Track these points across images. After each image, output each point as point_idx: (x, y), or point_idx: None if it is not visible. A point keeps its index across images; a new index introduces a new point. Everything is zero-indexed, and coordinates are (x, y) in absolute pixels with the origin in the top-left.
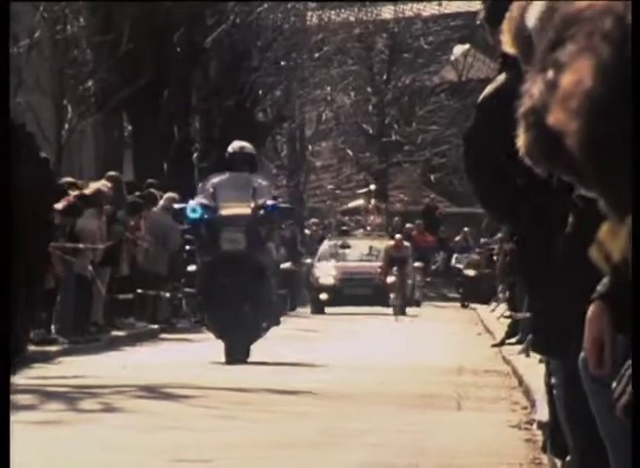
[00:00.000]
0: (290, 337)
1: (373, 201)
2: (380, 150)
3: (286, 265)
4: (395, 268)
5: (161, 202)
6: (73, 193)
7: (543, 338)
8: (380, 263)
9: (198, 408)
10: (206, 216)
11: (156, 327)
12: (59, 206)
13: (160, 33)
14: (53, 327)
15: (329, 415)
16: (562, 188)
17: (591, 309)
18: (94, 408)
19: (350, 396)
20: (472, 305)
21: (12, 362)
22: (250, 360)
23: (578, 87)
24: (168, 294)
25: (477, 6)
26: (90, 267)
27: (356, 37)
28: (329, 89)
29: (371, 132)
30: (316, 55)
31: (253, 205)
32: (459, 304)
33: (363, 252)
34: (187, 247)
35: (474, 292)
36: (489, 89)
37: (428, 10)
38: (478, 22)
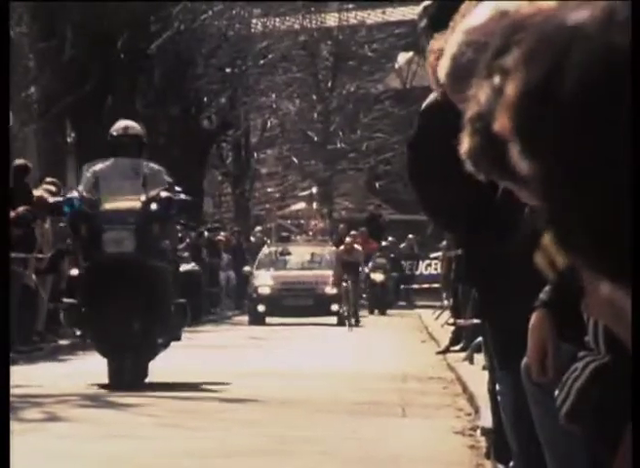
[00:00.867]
0: (228, 347)
1: (315, 204)
2: (326, 158)
3: (187, 267)
4: (345, 275)
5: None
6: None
7: (499, 348)
8: (321, 272)
9: (142, 416)
10: (85, 212)
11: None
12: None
13: (104, 39)
14: None
15: (275, 423)
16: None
17: (534, 317)
18: (37, 417)
19: (296, 403)
20: (417, 312)
21: None
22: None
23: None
24: None
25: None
26: (33, 276)
27: (301, 44)
28: (274, 96)
29: (316, 139)
30: (261, 62)
31: (143, 197)
32: (404, 311)
33: (304, 259)
34: (68, 241)
35: (383, 297)
36: (432, 96)
37: (372, 18)
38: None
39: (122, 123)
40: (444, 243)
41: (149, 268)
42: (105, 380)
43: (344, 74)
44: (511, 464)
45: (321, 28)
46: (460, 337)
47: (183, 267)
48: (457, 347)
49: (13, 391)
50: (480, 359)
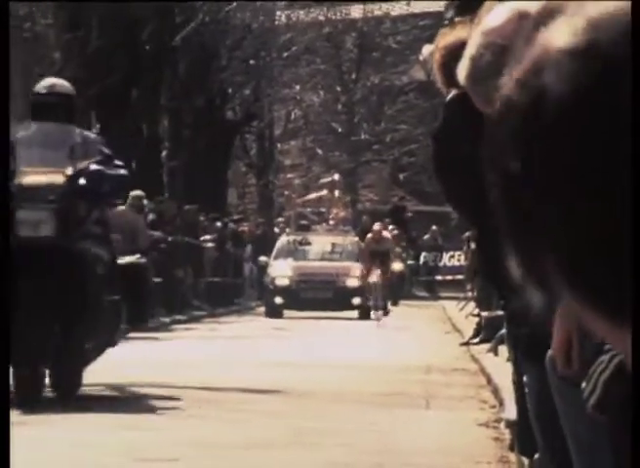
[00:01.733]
0: (251, 337)
1: (337, 192)
2: (349, 149)
3: (129, 259)
4: (372, 265)
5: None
6: None
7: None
8: (342, 263)
9: (166, 406)
10: None
11: (125, 325)
12: None
13: (129, 31)
14: None
15: (296, 415)
16: None
17: (560, 309)
18: (60, 407)
19: (319, 395)
20: (441, 303)
21: None
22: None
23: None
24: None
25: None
26: None
27: (325, 36)
28: (298, 88)
29: (340, 130)
30: (285, 54)
31: (69, 171)
32: (427, 302)
33: (325, 249)
34: None
35: (400, 287)
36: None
37: (397, 9)
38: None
39: (48, 80)
40: (467, 234)
41: (73, 257)
42: (127, 370)
43: (369, 66)
44: (536, 456)
45: (345, 20)
46: (484, 329)
47: (124, 258)
48: (475, 340)
49: None
50: (504, 350)
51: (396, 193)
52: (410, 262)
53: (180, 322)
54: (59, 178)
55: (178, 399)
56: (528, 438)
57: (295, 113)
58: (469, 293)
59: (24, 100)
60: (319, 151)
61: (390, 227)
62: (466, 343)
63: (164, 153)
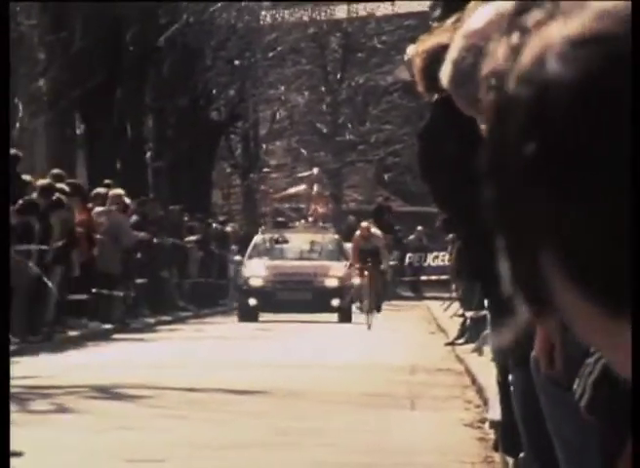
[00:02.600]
0: (236, 338)
1: (316, 187)
2: (334, 149)
3: None
4: (359, 265)
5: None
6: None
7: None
8: (321, 262)
9: (151, 407)
10: None
11: (109, 327)
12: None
13: (113, 32)
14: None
15: (282, 415)
16: None
17: None
18: (45, 408)
19: (303, 395)
20: (426, 303)
21: None
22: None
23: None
24: (121, 294)
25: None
26: (35, 267)
27: (310, 37)
28: (283, 88)
29: (325, 131)
30: (270, 54)
31: None
32: (412, 303)
33: (303, 247)
34: None
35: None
36: None
37: (382, 10)
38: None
39: None
40: (451, 235)
41: None
42: (112, 372)
43: (353, 66)
44: (521, 455)
45: (330, 20)
46: (468, 330)
47: None
48: (461, 340)
49: (22, 382)
50: (489, 351)
51: (381, 193)
52: (393, 262)
53: (165, 323)
54: None
55: (163, 400)
56: (512, 437)
57: (279, 113)
58: (454, 294)
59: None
60: (304, 151)
61: (373, 230)
62: (451, 343)
63: (148, 154)
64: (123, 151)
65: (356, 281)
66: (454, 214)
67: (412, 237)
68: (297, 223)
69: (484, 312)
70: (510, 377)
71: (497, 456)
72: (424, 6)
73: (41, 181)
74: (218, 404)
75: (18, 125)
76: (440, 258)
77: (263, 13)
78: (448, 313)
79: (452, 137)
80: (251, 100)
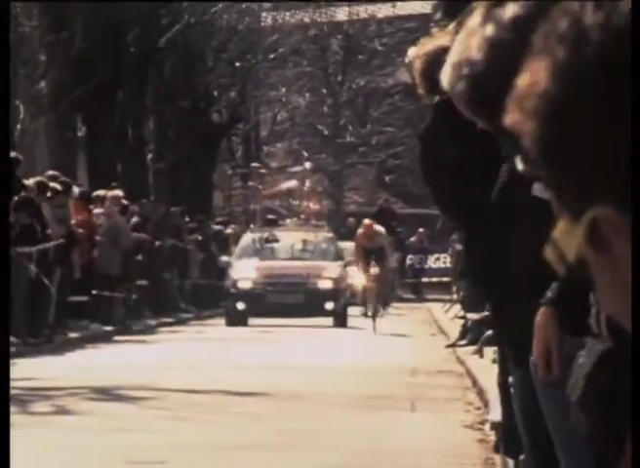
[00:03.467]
0: (237, 340)
1: (308, 182)
2: (335, 151)
3: None
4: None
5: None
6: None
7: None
8: (314, 262)
9: (152, 409)
10: None
11: (110, 328)
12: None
13: (114, 33)
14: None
15: (283, 417)
16: (520, 186)
17: (540, 315)
18: (46, 410)
19: (304, 397)
20: (427, 305)
21: None
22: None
23: (533, 88)
24: (122, 295)
25: (431, 8)
26: (35, 268)
27: (311, 38)
28: (284, 90)
29: (326, 133)
30: (271, 56)
31: None
32: (413, 305)
33: (295, 247)
34: None
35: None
36: None
37: (383, 11)
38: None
39: None
40: (454, 236)
41: None
42: (113, 374)
43: (354, 68)
44: (522, 457)
45: (331, 22)
46: (469, 332)
47: None
48: (463, 341)
49: (23, 384)
50: (490, 352)
51: (382, 195)
52: (394, 265)
53: (166, 324)
54: None
55: (164, 401)
56: (513, 439)
57: (280, 115)
58: (455, 296)
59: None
60: (305, 154)
61: (377, 228)
62: (452, 345)
63: (149, 155)
64: (124, 153)
65: (359, 283)
66: (455, 216)
67: (413, 239)
68: (288, 221)
69: (485, 314)
70: (511, 379)
71: (497, 458)
72: (425, 8)
73: (32, 179)
74: (219, 405)
75: (19, 127)
76: (441, 260)
77: (264, 14)
78: (449, 315)
79: (453, 140)
80: (252, 102)
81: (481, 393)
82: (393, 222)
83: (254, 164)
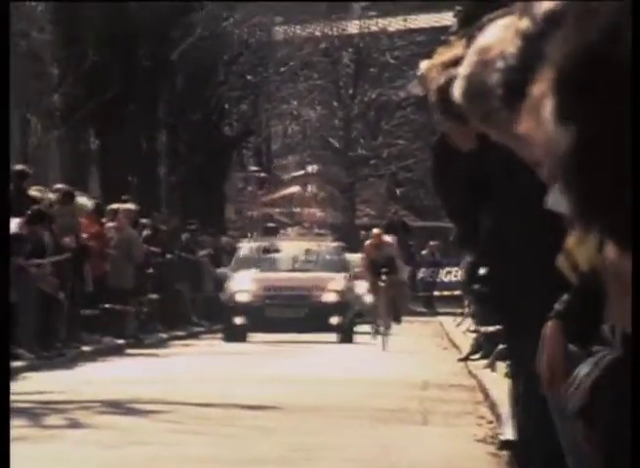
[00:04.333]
0: (248, 353)
1: (310, 188)
2: (347, 164)
3: None
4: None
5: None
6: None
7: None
8: (318, 274)
9: (165, 423)
10: None
11: (122, 342)
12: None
13: (126, 46)
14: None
15: (296, 430)
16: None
17: (548, 328)
18: (59, 423)
19: (317, 410)
20: (439, 319)
21: None
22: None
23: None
24: (134, 309)
25: (443, 21)
26: (48, 281)
27: (322, 52)
28: (295, 103)
29: (337, 146)
30: (282, 69)
31: None
32: (425, 318)
33: (297, 257)
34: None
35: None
36: None
37: (394, 25)
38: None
39: None
40: None
41: None
42: (125, 387)
43: (366, 81)
44: None
45: (342, 35)
46: (482, 345)
47: None
48: (476, 355)
49: (35, 397)
50: (502, 366)
51: (393, 208)
52: (404, 278)
53: (178, 338)
54: None
55: (176, 415)
56: (526, 453)
57: (292, 128)
58: (467, 309)
59: (21, 115)
60: (316, 166)
61: (385, 238)
62: (465, 359)
63: (162, 169)
64: (136, 166)
65: (368, 297)
66: (466, 229)
67: (424, 252)
68: (289, 230)
69: (497, 327)
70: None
71: None
72: (437, 21)
73: (33, 191)
74: (231, 419)
75: (31, 140)
76: (453, 274)
77: (276, 28)
78: (460, 329)
79: (464, 152)
80: (263, 115)
81: (493, 407)
82: (406, 235)
83: (252, 167)
